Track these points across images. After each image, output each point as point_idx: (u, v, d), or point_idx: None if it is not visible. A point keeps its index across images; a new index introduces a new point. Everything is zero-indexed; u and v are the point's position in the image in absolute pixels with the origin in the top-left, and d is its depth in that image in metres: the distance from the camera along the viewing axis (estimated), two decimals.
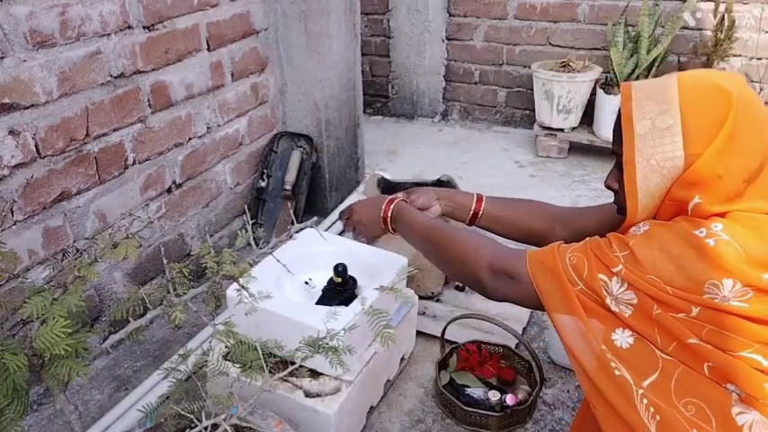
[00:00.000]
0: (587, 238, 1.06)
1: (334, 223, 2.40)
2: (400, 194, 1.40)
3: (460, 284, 2.05)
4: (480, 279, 1.11)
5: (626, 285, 0.95)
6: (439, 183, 2.16)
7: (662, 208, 1.01)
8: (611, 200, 1.15)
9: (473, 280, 1.14)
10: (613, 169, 1.10)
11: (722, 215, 0.94)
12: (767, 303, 0.88)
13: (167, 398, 1.16)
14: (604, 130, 2.94)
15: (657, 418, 0.91)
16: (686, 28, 2.87)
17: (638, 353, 0.95)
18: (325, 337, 1.10)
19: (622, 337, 0.96)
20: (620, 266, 0.95)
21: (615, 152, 1.06)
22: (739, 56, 2.85)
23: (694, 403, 0.91)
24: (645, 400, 0.92)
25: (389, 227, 1.33)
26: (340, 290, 1.52)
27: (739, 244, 0.89)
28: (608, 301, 0.97)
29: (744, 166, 0.93)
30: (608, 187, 1.12)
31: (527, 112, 3.43)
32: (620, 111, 1.03)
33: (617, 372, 0.95)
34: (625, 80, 2.81)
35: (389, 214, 1.32)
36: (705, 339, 0.90)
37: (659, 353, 0.94)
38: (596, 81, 2.99)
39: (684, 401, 0.91)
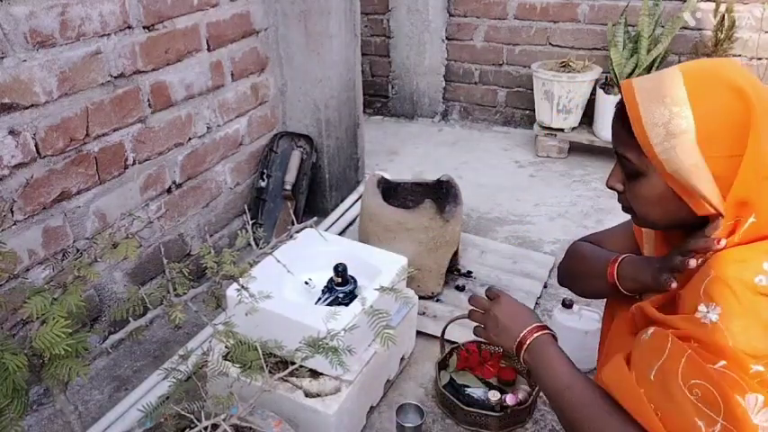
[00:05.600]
0: (670, 339, 0.87)
1: (334, 223, 2.40)
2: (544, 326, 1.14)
3: (460, 285, 2.05)
4: None
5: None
6: (439, 183, 2.16)
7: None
8: (610, 199, 1.11)
9: None
10: (615, 170, 1.03)
11: None
12: None
13: (167, 398, 1.16)
14: (604, 130, 2.94)
15: None
16: (686, 28, 2.87)
17: None
18: (325, 338, 1.10)
19: None
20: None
21: (621, 154, 0.98)
22: (739, 56, 2.85)
23: None
24: None
25: (521, 355, 1.11)
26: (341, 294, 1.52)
27: None
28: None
29: None
30: (611, 187, 1.06)
31: (527, 112, 3.43)
32: (619, 108, 0.97)
33: None
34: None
35: (527, 342, 1.10)
36: None
37: None
38: (596, 81, 2.99)
39: None
